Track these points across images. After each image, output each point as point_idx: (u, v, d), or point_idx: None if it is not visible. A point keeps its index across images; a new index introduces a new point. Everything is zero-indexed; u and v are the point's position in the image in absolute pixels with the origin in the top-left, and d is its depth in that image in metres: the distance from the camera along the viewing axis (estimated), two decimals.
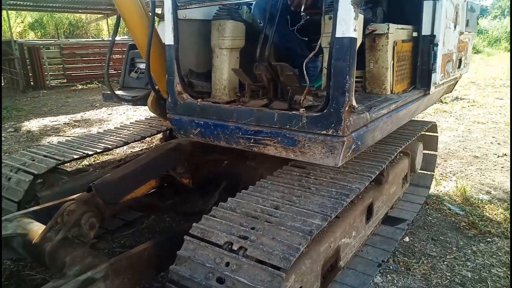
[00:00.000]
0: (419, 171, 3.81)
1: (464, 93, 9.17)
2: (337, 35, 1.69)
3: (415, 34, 2.82)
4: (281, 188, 2.09)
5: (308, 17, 2.08)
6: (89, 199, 2.21)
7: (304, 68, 1.78)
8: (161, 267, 1.99)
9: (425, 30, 2.80)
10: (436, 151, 3.99)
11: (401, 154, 3.43)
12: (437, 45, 2.79)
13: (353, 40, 1.69)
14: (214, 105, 2.22)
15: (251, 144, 2.10)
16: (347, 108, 1.75)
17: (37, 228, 2.07)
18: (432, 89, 2.94)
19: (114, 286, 1.73)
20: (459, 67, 3.69)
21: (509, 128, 6.08)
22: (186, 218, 3.01)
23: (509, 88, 9.34)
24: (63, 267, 1.75)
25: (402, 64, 2.72)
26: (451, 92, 4.33)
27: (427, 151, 3.94)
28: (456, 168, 4.55)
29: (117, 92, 3.31)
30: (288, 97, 1.97)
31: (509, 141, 5.44)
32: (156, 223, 3.16)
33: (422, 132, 3.76)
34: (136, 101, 3.02)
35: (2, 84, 12.01)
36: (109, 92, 2.93)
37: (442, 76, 3.03)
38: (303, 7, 2.06)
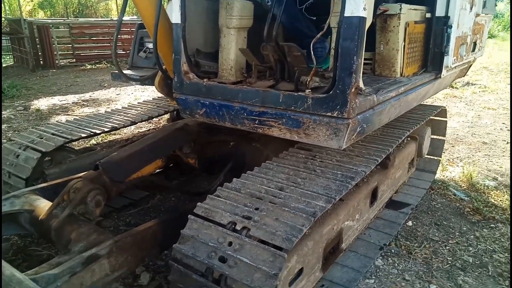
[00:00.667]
0: (426, 156, 3.76)
1: (476, 78, 8.96)
2: (346, 14, 1.64)
3: (428, 15, 2.72)
4: (287, 170, 2.09)
5: None
6: (96, 177, 2.23)
7: (311, 48, 1.74)
8: (165, 246, 2.02)
9: (439, 11, 2.70)
10: (445, 136, 3.92)
11: (409, 139, 3.38)
12: (451, 27, 2.70)
13: (362, 19, 1.64)
14: (219, 85, 2.19)
15: (256, 125, 2.08)
16: (353, 90, 1.71)
17: (43, 205, 2.11)
18: (444, 72, 2.86)
19: (118, 263, 1.77)
20: (473, 50, 3.58)
21: None
22: (192, 198, 3.03)
23: None
24: (68, 243, 1.78)
25: (413, 46, 2.63)
26: (463, 76, 4.22)
27: (435, 136, 3.88)
28: (464, 154, 4.49)
29: (126, 71, 3.30)
30: (295, 78, 1.92)
31: None
32: (161, 203, 3.19)
33: (431, 117, 3.71)
34: (144, 81, 3.01)
35: (13, 63, 12.06)
36: (117, 71, 2.92)
37: (454, 60, 2.94)
38: None
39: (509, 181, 3.69)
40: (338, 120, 1.78)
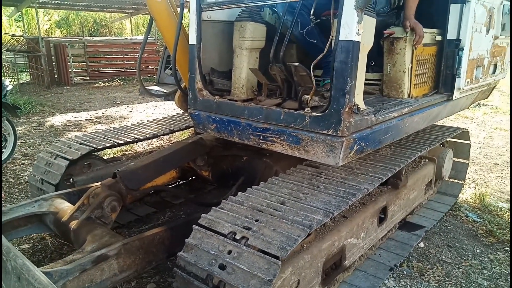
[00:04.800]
0: (447, 179, 3.94)
1: (487, 99, 9.04)
2: (340, 38, 1.91)
3: (439, 38, 2.99)
4: (291, 186, 2.33)
5: (319, 20, 2.31)
6: (113, 184, 2.63)
7: (311, 68, 2.04)
8: (172, 251, 2.30)
9: (451, 34, 2.96)
10: (468, 159, 4.09)
11: (426, 160, 3.59)
12: (462, 49, 2.95)
13: (356, 43, 1.90)
14: (228, 102, 2.52)
15: (261, 141, 2.37)
16: (347, 110, 1.96)
17: (67, 208, 2.51)
18: (456, 94, 3.08)
19: (126, 264, 2.08)
20: (493, 72, 3.79)
21: None
22: (202, 209, 3.35)
23: None
24: (84, 243, 2.11)
25: (422, 68, 2.89)
26: (486, 98, 4.41)
27: (457, 159, 4.05)
28: (476, 175, 4.65)
29: (153, 87, 3.74)
30: (299, 97, 2.23)
31: None
32: (171, 220, 3.49)
33: (451, 139, 3.90)
34: (167, 96, 3.42)
35: (29, 80, 12.98)
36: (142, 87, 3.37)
37: (468, 82, 3.16)
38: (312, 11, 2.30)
39: None
40: (333, 138, 2.03)
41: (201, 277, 1.84)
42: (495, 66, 3.80)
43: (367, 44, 2.10)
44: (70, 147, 3.29)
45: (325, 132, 2.05)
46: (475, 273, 2.78)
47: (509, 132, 6.57)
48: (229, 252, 1.83)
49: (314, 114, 2.08)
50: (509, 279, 2.71)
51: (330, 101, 2.00)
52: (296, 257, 2.06)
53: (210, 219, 2.03)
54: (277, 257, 1.73)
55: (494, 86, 4.13)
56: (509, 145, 5.79)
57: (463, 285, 2.65)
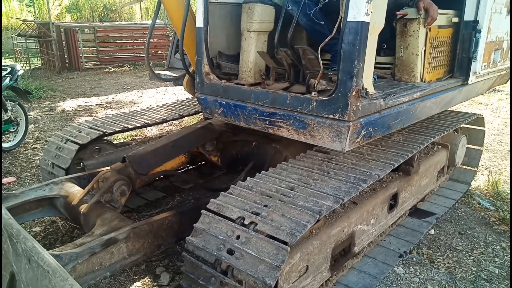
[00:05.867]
0: (460, 165, 3.87)
1: (503, 85, 8.83)
2: (348, 19, 1.85)
3: (456, 19, 2.89)
4: (300, 171, 2.31)
5: (326, 1, 2.25)
6: (122, 169, 2.65)
7: (318, 52, 1.99)
8: (181, 235, 2.33)
9: (468, 15, 2.87)
10: (482, 146, 4.01)
11: (439, 146, 3.53)
12: (479, 31, 2.85)
13: (365, 24, 1.85)
14: (235, 86, 2.49)
15: (267, 125, 2.35)
16: (354, 93, 1.92)
17: (77, 192, 2.55)
18: (472, 78, 3.00)
19: (135, 247, 2.11)
20: None
21: None
22: (211, 195, 3.37)
23: None
24: (93, 227, 2.14)
25: (436, 51, 2.81)
26: (505, 83, 4.28)
27: (471, 146, 3.97)
28: (489, 162, 4.58)
29: (163, 72, 3.73)
30: (306, 80, 2.19)
31: None
32: (180, 204, 3.52)
33: (465, 125, 3.82)
34: (176, 81, 3.41)
35: (40, 65, 13.09)
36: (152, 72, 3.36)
37: (484, 65, 3.07)
38: None
39: None
40: (339, 122, 2.00)
41: (210, 262, 1.85)
42: None
43: (377, 25, 2.03)
44: (80, 132, 3.32)
45: (331, 116, 2.02)
46: (487, 260, 2.76)
47: None
48: (238, 237, 1.84)
49: (321, 98, 2.04)
50: None
51: (337, 85, 1.96)
52: (305, 243, 2.06)
53: (218, 204, 2.04)
54: (285, 243, 1.73)
55: None
56: None
57: (474, 272, 2.63)
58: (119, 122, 3.57)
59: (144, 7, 18.98)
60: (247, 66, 2.67)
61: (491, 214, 3.32)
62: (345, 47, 1.89)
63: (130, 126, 3.51)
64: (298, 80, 2.38)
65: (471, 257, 2.79)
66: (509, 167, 4.37)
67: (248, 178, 2.26)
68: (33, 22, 12.84)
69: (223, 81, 2.56)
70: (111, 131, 3.36)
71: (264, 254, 1.73)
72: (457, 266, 2.68)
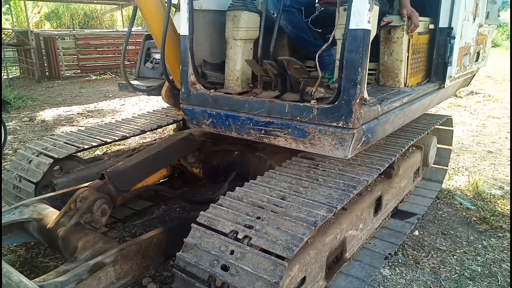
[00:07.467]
0: (432, 165, 3.77)
1: (480, 88, 8.99)
2: (350, 27, 1.69)
3: (431, 26, 2.77)
4: (289, 179, 2.11)
5: (322, 8, 2.07)
6: (102, 186, 2.27)
7: (316, 60, 1.78)
8: (170, 254, 2.04)
9: (443, 23, 2.76)
10: (451, 145, 3.95)
11: (413, 148, 3.40)
12: (454, 37, 2.75)
13: (367, 32, 1.68)
14: (226, 96, 2.23)
15: (262, 135, 2.11)
16: (358, 101, 1.75)
17: (51, 214, 2.15)
18: (448, 82, 2.89)
19: (123, 270, 1.79)
20: (476, 60, 3.62)
21: None
22: (196, 207, 3.06)
23: None
24: (75, 251, 1.81)
25: (417, 57, 2.68)
26: (467, 86, 4.25)
27: (441, 146, 3.90)
28: (469, 163, 4.50)
29: (133, 82, 3.36)
30: (300, 88, 1.96)
31: None
32: (166, 213, 3.19)
33: (437, 126, 3.73)
34: (151, 91, 3.06)
35: (19, 74, 12.26)
36: (124, 82, 2.98)
37: (458, 70, 2.98)
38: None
39: None
40: (343, 130, 1.82)
41: (203, 279, 1.64)
42: (478, 54, 3.63)
43: (372, 33, 1.85)
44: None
45: (334, 124, 1.83)
46: (469, 259, 2.62)
47: (501, 119, 6.43)
48: (232, 252, 1.63)
49: (322, 106, 1.84)
50: (502, 265, 2.56)
51: (339, 92, 1.77)
52: (302, 253, 1.85)
53: (209, 217, 1.80)
54: (282, 258, 1.54)
55: (475, 74, 3.96)
56: (502, 133, 5.66)
57: (458, 271, 2.49)
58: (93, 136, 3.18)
59: (126, 14, 18.09)
60: (234, 75, 2.41)
61: (472, 214, 3.20)
62: (347, 55, 1.72)
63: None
64: (285, 89, 2.15)
65: (455, 257, 2.65)
66: (509, 167, 4.30)
67: (237, 188, 2.03)
68: (11, 30, 11.97)
69: (212, 90, 2.28)
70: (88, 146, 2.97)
71: (261, 270, 1.53)
72: (441, 266, 2.54)
